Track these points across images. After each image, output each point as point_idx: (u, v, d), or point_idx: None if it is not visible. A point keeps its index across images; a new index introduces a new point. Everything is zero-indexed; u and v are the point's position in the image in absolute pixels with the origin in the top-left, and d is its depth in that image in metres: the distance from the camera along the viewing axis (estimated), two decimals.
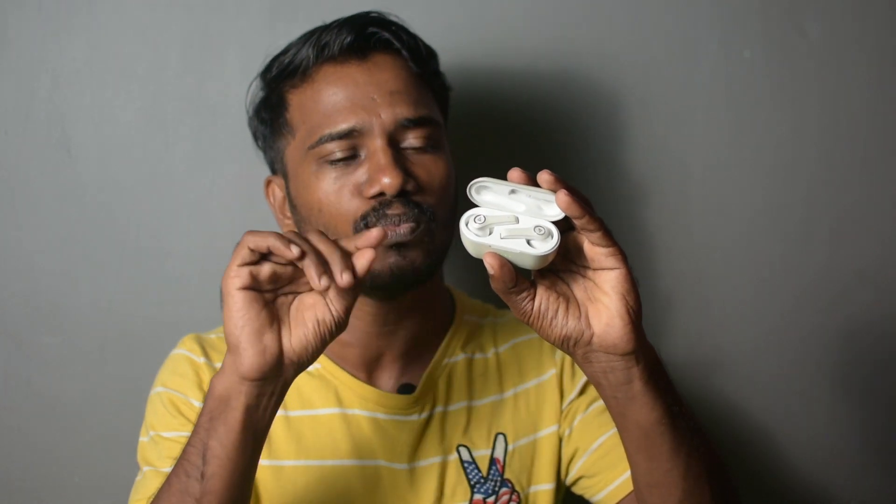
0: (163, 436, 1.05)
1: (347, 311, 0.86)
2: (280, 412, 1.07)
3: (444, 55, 1.15)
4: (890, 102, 1.44)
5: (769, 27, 1.41)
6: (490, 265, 0.79)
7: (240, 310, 0.82)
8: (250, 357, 0.83)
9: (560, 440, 1.12)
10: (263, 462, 1.05)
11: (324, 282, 0.80)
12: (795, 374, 1.47)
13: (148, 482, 1.02)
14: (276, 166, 1.11)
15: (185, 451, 0.87)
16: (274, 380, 0.85)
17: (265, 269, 0.83)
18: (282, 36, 1.13)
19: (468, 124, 1.32)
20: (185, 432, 1.04)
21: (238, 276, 0.82)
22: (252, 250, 0.82)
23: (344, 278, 0.81)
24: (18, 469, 1.32)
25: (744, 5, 1.41)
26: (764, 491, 1.46)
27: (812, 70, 1.42)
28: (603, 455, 1.08)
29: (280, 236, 0.82)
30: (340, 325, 0.86)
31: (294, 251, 0.80)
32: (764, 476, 1.47)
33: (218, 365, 1.08)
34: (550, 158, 1.38)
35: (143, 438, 1.08)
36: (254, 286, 0.83)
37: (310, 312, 0.85)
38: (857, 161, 1.44)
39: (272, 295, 0.85)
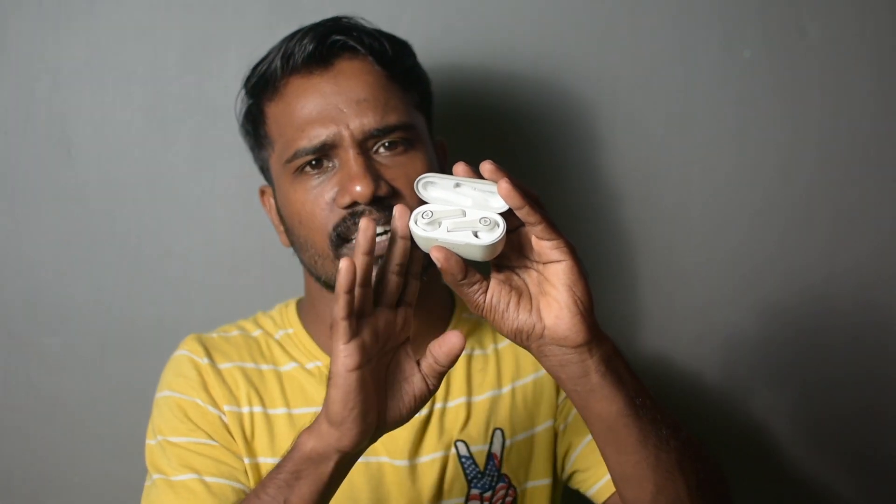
0: (171, 441, 1.05)
1: (440, 380, 0.87)
2: (283, 410, 1.08)
3: (436, 56, 1.14)
4: (890, 102, 1.44)
5: (769, 27, 1.41)
6: (436, 258, 0.80)
7: (350, 392, 0.82)
8: (354, 436, 0.83)
9: (556, 435, 1.12)
10: (269, 460, 1.05)
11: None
12: (795, 374, 1.46)
13: (160, 493, 1.02)
14: (266, 175, 1.12)
15: (259, 500, 0.88)
16: (366, 446, 0.87)
17: (366, 335, 0.82)
18: (282, 36, 1.13)
19: (460, 126, 1.33)
20: (193, 437, 1.04)
21: (349, 356, 0.81)
22: (347, 295, 0.80)
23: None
24: (18, 469, 1.32)
25: (744, 5, 1.40)
26: (765, 490, 1.46)
27: (812, 70, 1.42)
28: (594, 449, 1.08)
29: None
30: (433, 392, 0.88)
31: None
32: (765, 475, 1.47)
33: (221, 366, 1.09)
34: (549, 159, 1.38)
35: (150, 441, 1.07)
36: (363, 361, 0.82)
37: (408, 386, 0.86)
38: (856, 161, 1.44)
39: (375, 361, 0.84)
